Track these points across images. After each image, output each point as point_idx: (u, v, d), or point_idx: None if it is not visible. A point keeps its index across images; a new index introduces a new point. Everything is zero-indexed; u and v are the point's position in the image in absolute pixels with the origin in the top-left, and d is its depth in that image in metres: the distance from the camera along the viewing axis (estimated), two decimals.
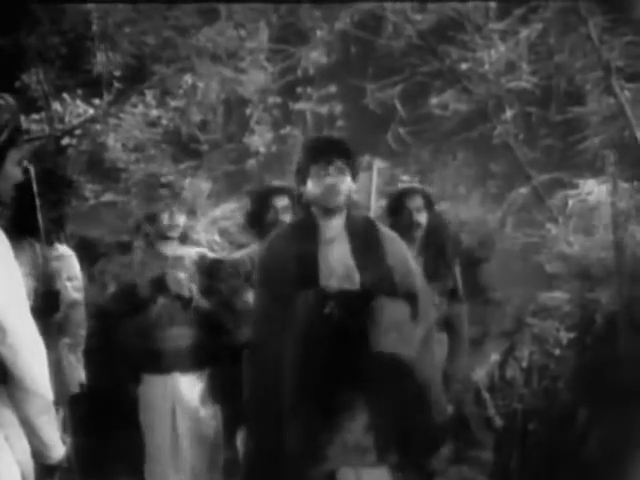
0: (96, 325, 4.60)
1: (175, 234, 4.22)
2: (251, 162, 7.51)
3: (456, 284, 4.55)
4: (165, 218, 4.18)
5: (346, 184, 3.46)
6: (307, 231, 3.48)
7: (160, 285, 4.15)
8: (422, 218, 4.46)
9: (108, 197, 6.78)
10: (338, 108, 7.46)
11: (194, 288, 4.15)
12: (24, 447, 2.45)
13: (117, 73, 6.74)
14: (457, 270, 4.59)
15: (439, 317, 4.33)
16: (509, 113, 6.71)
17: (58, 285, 4.03)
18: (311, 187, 3.46)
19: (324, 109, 7.45)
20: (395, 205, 4.50)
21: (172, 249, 4.26)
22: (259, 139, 7.39)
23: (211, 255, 4.42)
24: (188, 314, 4.17)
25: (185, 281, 4.14)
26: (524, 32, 6.09)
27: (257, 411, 3.44)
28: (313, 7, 6.66)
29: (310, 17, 6.69)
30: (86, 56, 6.53)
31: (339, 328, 3.30)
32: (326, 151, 3.47)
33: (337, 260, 3.42)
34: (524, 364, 5.99)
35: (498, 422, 4.54)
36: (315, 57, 7.16)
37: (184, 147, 7.03)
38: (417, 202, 4.46)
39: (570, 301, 6.07)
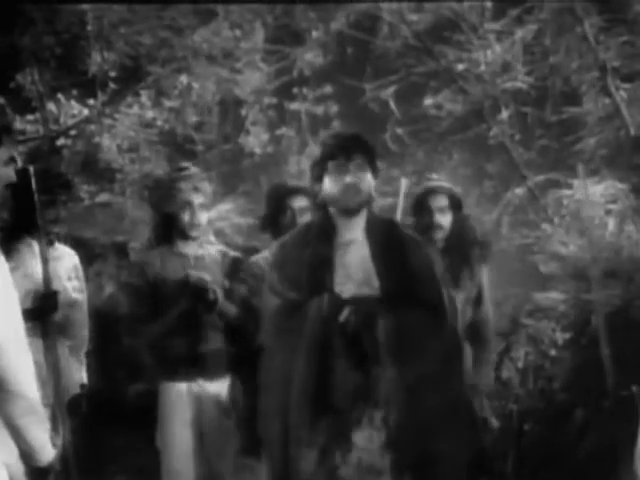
0: (100, 327, 4.59)
1: (197, 233, 4.00)
2: (246, 163, 7.51)
3: (482, 291, 4.31)
4: (186, 216, 3.96)
5: (366, 182, 3.23)
6: (323, 233, 3.26)
7: (183, 287, 3.91)
8: (445, 220, 4.20)
9: (103, 198, 6.78)
10: (334, 109, 7.46)
11: (218, 290, 3.91)
12: (11, 449, 2.42)
13: (112, 74, 6.74)
14: (485, 276, 4.34)
15: (464, 326, 4.14)
16: (505, 113, 6.69)
17: (57, 286, 3.99)
18: (329, 185, 3.23)
19: (319, 109, 7.45)
20: (418, 204, 4.26)
21: (193, 249, 4.04)
22: (254, 140, 7.38)
23: (232, 253, 4.17)
24: (212, 317, 3.93)
25: (209, 283, 3.89)
26: (519, 33, 6.10)
27: (268, 428, 3.21)
28: (308, 8, 6.66)
29: (305, 18, 6.69)
30: (81, 56, 6.52)
31: (355, 338, 3.09)
32: (345, 146, 3.24)
33: (355, 265, 3.20)
34: (520, 364, 6.01)
35: (494, 423, 4.42)
36: (311, 58, 7.16)
37: (179, 148, 7.02)
38: (441, 202, 4.21)
39: (565, 301, 6.08)
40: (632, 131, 5.77)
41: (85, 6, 6.19)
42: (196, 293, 3.88)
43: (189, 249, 4.02)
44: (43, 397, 3.99)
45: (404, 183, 4.49)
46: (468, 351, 4.20)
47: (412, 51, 6.82)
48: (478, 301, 4.28)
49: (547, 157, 6.70)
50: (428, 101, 6.91)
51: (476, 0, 6.51)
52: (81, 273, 4.27)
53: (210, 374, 3.95)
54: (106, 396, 5.30)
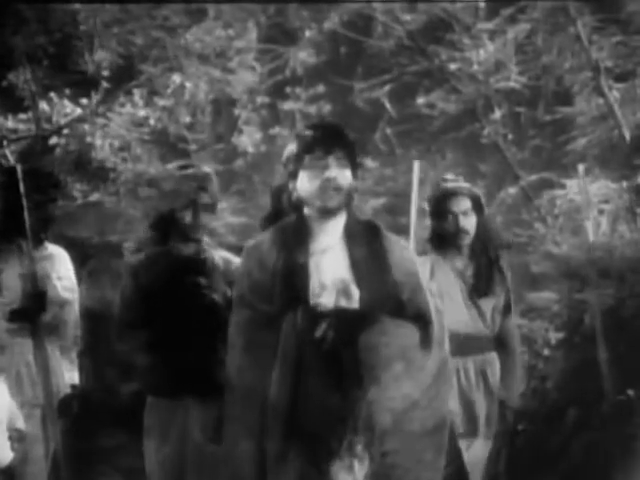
0: (92, 327, 4.58)
1: (198, 235, 3.64)
2: (239, 162, 7.53)
3: (510, 297, 4.07)
4: (187, 216, 3.60)
5: (347, 179, 2.87)
6: (298, 237, 2.92)
7: (178, 293, 3.57)
8: (469, 223, 3.94)
9: (96, 197, 6.79)
10: (327, 108, 7.49)
11: (218, 298, 3.57)
12: None
13: (105, 73, 6.75)
14: (510, 281, 4.10)
15: (494, 336, 3.99)
16: (498, 113, 6.75)
17: (46, 285, 3.98)
18: (305, 182, 2.87)
19: (313, 109, 7.47)
20: (438, 209, 3.97)
21: (192, 250, 3.68)
22: (247, 139, 7.39)
23: (237, 260, 3.66)
24: (207, 327, 3.53)
25: (208, 290, 3.57)
26: (512, 32, 6.14)
27: (238, 460, 2.88)
28: (301, 7, 6.68)
29: (299, 17, 6.71)
30: (73, 56, 6.53)
31: (333, 356, 2.79)
32: (323, 138, 2.87)
33: (332, 273, 2.87)
34: None
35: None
36: (304, 57, 7.19)
37: (172, 147, 7.04)
38: (464, 205, 3.94)
39: (559, 301, 6.10)
40: (625, 131, 5.79)
41: (77, 6, 6.21)
42: (193, 300, 3.56)
43: (188, 251, 3.67)
44: (33, 397, 4.03)
45: (417, 165, 4.22)
46: (497, 363, 4.00)
47: (405, 51, 6.87)
48: (507, 309, 4.05)
49: (540, 157, 6.75)
50: (421, 100, 6.94)
51: (469, 0, 6.54)
52: (72, 272, 4.22)
53: (202, 393, 3.53)
54: (98, 396, 5.30)
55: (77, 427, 4.82)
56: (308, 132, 2.93)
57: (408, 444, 2.80)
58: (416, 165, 4.24)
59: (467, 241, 3.95)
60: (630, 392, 5.21)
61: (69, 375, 4.14)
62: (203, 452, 3.54)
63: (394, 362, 2.80)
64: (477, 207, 3.97)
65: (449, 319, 3.04)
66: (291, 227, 2.95)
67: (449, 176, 4.12)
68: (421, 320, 2.87)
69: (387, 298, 2.86)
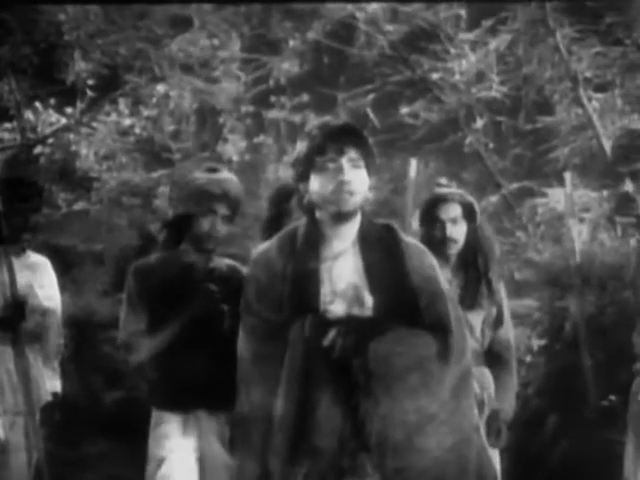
0: (76, 335, 4.59)
1: (212, 246, 3.37)
2: None
3: (501, 310, 3.88)
4: (206, 225, 3.33)
5: (362, 182, 2.68)
6: (310, 242, 2.75)
7: (187, 302, 3.34)
8: (458, 232, 3.75)
9: (80, 206, 6.83)
10: (311, 117, 7.53)
11: (226, 308, 3.31)
12: None
13: (90, 81, 6.80)
14: (503, 293, 3.91)
15: (483, 350, 3.81)
16: (479, 122, 6.79)
17: (27, 294, 3.99)
18: (317, 185, 2.70)
19: (297, 118, 7.52)
20: (427, 215, 3.79)
21: (204, 261, 3.44)
22: (232, 147, 7.43)
23: (244, 269, 3.44)
24: (217, 339, 3.29)
25: (218, 300, 3.32)
26: (493, 43, 6.21)
27: (246, 475, 2.72)
28: (285, 18, 6.74)
29: (281, 28, 6.76)
30: (58, 65, 6.56)
31: (342, 366, 2.59)
32: (336, 138, 2.68)
33: (345, 279, 2.70)
34: None
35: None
36: (287, 67, 7.24)
37: (156, 156, 7.08)
38: (453, 212, 3.75)
39: (540, 308, 6.16)
40: (604, 141, 5.88)
41: (62, 17, 6.24)
42: (202, 310, 3.31)
43: (200, 260, 3.42)
44: (14, 405, 4.05)
45: (413, 164, 4.13)
46: (489, 377, 3.80)
47: (388, 61, 6.92)
48: (498, 321, 3.86)
49: (521, 165, 6.80)
50: (404, 110, 6.98)
51: (450, 0, 6.57)
52: (54, 281, 4.22)
53: (213, 405, 3.32)
54: (82, 404, 5.32)
55: (60, 435, 4.82)
56: (318, 131, 2.73)
57: (423, 461, 2.59)
58: (412, 164, 4.15)
59: (455, 250, 3.76)
60: (612, 397, 5.27)
61: (51, 383, 4.12)
62: (218, 463, 3.28)
63: (409, 373, 2.60)
64: (468, 215, 3.77)
65: None
66: (302, 232, 2.78)
67: (443, 180, 3.94)
68: (440, 329, 2.67)
69: (403, 305, 2.67)
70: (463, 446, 2.62)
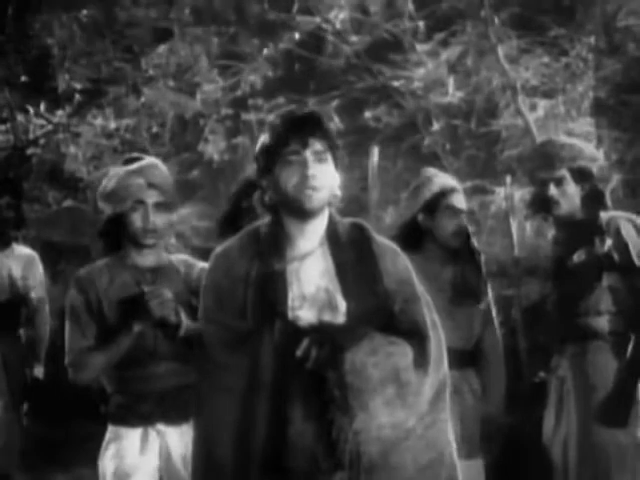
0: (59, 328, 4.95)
1: (151, 241, 3.08)
2: (204, 170, 7.95)
3: (490, 306, 3.75)
4: (137, 219, 3.04)
5: (328, 176, 2.46)
6: (273, 242, 2.50)
7: (136, 308, 2.99)
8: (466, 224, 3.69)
9: (68, 203, 7.24)
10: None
11: (182, 311, 2.99)
12: None
13: (78, 86, 7.23)
14: (489, 289, 3.79)
15: (471, 349, 3.65)
16: (436, 125, 7.14)
17: (11, 285, 4.22)
18: (280, 180, 2.46)
19: (270, 118, 7.85)
20: (431, 205, 3.64)
21: (149, 259, 3.13)
22: (213, 148, 7.77)
23: (200, 264, 3.17)
24: (174, 345, 3.01)
25: (171, 302, 2.97)
26: (445, 54, 6.62)
27: None
28: (251, 35, 7.10)
29: (249, 44, 7.14)
30: (48, 80, 6.97)
31: (316, 379, 2.36)
32: (300, 128, 2.45)
33: (314, 282, 2.47)
34: None
35: None
36: (262, 73, 7.62)
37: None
38: (463, 202, 3.70)
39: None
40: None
41: (50, 40, 6.65)
42: (154, 315, 2.96)
43: (144, 260, 3.13)
44: None
45: (376, 151, 4.20)
46: (474, 379, 3.67)
47: (353, 69, 7.27)
48: (487, 320, 3.73)
49: (474, 166, 7.16)
50: (368, 114, 7.35)
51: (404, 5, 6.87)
52: (39, 272, 4.44)
53: (173, 416, 3.05)
54: (69, 387, 5.74)
55: (48, 417, 5.10)
56: (281, 123, 2.52)
57: None
58: (375, 151, 4.03)
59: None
60: (542, 374, 5.70)
61: (36, 369, 4.37)
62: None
63: (385, 385, 2.37)
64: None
65: None
66: (264, 231, 2.54)
67: (430, 170, 3.81)
68: (416, 335, 2.47)
69: (377, 310, 2.46)
70: (436, 464, 2.42)
